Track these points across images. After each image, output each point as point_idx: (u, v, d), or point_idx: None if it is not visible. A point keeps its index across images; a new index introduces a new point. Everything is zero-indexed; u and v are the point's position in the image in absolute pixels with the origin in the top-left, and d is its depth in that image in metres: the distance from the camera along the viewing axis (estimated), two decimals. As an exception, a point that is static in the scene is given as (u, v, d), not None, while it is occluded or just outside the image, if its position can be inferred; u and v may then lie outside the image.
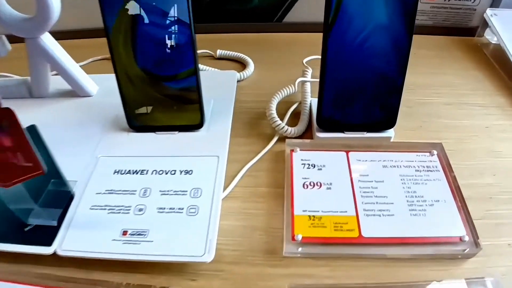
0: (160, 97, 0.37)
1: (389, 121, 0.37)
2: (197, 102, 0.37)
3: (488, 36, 0.55)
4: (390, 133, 0.38)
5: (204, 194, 0.33)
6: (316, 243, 0.30)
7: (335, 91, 0.36)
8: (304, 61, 0.46)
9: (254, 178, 0.36)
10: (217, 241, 0.30)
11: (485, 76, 0.49)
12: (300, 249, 0.30)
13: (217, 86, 0.43)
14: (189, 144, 0.37)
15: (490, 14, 0.53)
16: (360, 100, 0.36)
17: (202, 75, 0.36)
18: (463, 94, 0.46)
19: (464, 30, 0.55)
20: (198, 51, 0.49)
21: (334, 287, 0.29)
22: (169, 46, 0.34)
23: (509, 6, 0.54)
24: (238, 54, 0.49)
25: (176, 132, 0.39)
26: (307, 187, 0.34)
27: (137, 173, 0.35)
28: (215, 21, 0.56)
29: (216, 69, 0.47)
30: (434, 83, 0.47)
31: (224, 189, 0.34)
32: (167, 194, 0.33)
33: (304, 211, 0.32)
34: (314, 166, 0.35)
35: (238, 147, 0.39)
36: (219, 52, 0.49)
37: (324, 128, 0.38)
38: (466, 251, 0.30)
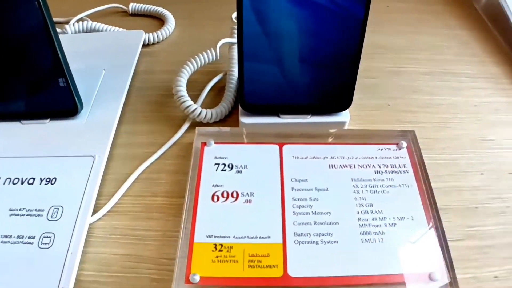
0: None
1: (342, 100, 0.27)
2: (63, 76, 0.25)
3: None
4: (344, 116, 0.27)
5: (66, 215, 0.22)
6: (219, 286, 0.21)
7: (260, 58, 0.25)
8: (233, 15, 0.34)
9: (151, 183, 0.26)
10: (85, 278, 0.20)
11: (475, 37, 0.39)
12: (196, 296, 0.20)
13: (115, 52, 0.31)
14: (60, 138, 0.26)
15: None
16: (303, 71, 0.25)
17: (98, 38, 0.25)
18: (445, 61, 0.36)
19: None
20: (106, 6, 0.37)
21: None
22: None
23: None
24: (156, 8, 0.37)
25: (47, 121, 0.28)
26: (218, 199, 0.23)
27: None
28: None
29: (120, 29, 0.35)
30: (410, 45, 0.37)
31: (106, 201, 0.24)
32: (18, 214, 0.23)
33: (208, 236, 0.22)
34: (232, 167, 0.25)
35: (134, 138, 0.28)
36: (132, 6, 0.37)
37: (251, 110, 0.27)
38: None
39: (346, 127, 0.28)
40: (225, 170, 0.25)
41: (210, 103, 0.30)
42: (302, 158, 0.25)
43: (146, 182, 0.26)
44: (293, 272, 0.21)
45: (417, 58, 0.35)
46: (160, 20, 0.39)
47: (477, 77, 0.34)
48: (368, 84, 0.32)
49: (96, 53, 0.27)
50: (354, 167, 0.25)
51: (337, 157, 0.25)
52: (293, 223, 0.22)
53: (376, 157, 0.26)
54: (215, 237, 0.22)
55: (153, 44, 0.35)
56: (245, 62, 0.25)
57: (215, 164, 0.25)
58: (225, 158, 0.25)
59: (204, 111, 0.27)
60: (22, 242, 0.22)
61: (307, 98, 0.26)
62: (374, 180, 0.24)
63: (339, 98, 0.27)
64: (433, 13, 0.41)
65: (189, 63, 0.29)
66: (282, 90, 0.26)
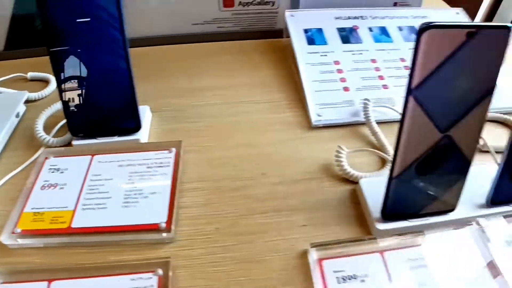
0: None
1: (135, 126, 0.43)
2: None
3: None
4: (138, 135, 0.43)
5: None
6: (33, 235, 0.35)
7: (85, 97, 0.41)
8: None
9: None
10: None
11: (277, 74, 0.54)
12: (19, 240, 0.35)
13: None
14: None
15: (288, 15, 0.58)
16: (101, 106, 0.41)
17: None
18: (244, 94, 0.51)
19: (272, 33, 0.60)
20: (10, 76, 0.54)
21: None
22: None
23: (309, 7, 0.59)
24: (45, 74, 0.54)
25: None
26: (45, 188, 0.39)
27: None
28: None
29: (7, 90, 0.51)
30: (220, 86, 0.52)
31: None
32: None
33: (32, 208, 0.37)
34: (58, 170, 0.40)
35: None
36: (30, 74, 0.55)
37: (81, 135, 0.43)
38: (161, 237, 0.35)
39: (142, 141, 0.43)
40: (54, 172, 0.40)
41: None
42: (104, 162, 0.41)
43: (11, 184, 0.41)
44: (75, 224, 0.35)
45: (221, 94, 0.51)
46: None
47: (261, 102, 0.50)
48: (173, 115, 0.48)
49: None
50: (135, 166, 0.40)
51: (126, 160, 0.41)
52: (84, 199, 0.37)
53: (152, 159, 0.41)
54: (36, 208, 0.37)
55: (37, 100, 0.51)
56: (64, 101, 0.41)
57: (49, 169, 0.40)
58: (56, 165, 0.41)
59: (51, 138, 0.43)
60: None
61: (112, 124, 0.42)
62: (144, 172, 0.40)
63: (133, 125, 0.43)
64: (251, 60, 0.57)
65: (49, 108, 0.45)
66: (96, 119, 0.42)
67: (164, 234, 0.35)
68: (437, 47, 0.28)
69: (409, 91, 0.29)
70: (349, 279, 0.32)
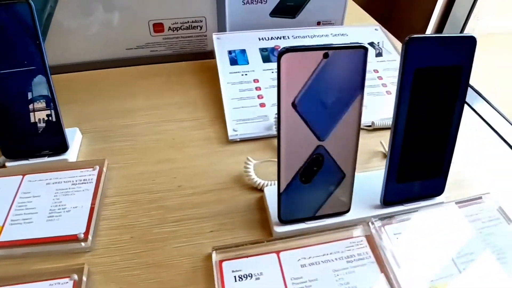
0: None
1: (61, 146, 0.47)
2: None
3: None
4: (67, 155, 0.47)
5: None
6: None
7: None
8: None
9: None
10: None
11: (204, 93, 0.59)
12: None
13: None
14: None
15: (215, 38, 0.63)
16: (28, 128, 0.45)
17: None
18: (170, 113, 0.55)
19: (204, 54, 0.65)
20: None
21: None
22: None
23: (235, 29, 0.65)
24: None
25: None
26: None
27: None
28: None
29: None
30: (149, 106, 0.56)
31: None
32: None
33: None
34: None
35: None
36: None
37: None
38: (80, 247, 0.39)
39: (70, 161, 0.47)
40: None
41: None
42: (35, 180, 0.45)
43: None
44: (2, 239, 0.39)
45: (148, 113, 0.55)
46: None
47: (187, 120, 0.54)
48: (102, 135, 0.52)
49: None
50: (61, 183, 0.44)
51: (53, 178, 0.45)
52: (14, 215, 0.41)
53: (77, 176, 0.45)
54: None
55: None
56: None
57: None
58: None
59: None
60: None
61: (43, 145, 0.46)
62: (68, 189, 0.44)
63: (59, 146, 0.47)
64: (181, 81, 0.61)
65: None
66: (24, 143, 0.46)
67: (82, 244, 0.39)
68: (298, 67, 0.33)
69: (279, 106, 0.34)
70: (245, 277, 0.37)
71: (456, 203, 0.43)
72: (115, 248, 0.40)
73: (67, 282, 0.36)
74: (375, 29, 0.70)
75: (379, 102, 0.57)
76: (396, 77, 0.36)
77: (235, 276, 0.37)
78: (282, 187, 0.38)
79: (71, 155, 0.47)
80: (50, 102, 0.45)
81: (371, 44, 0.66)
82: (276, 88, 0.33)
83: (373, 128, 0.53)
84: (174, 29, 0.62)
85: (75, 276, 0.36)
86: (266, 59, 0.61)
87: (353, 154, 0.38)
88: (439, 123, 0.39)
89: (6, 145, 0.46)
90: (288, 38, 0.65)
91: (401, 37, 0.62)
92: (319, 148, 0.37)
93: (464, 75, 0.37)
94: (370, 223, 0.41)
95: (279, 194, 0.38)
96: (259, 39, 0.64)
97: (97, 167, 0.46)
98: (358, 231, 0.41)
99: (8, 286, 0.36)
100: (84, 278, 0.36)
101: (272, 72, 0.59)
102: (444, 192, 0.43)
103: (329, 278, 0.37)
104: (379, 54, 0.65)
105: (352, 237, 0.40)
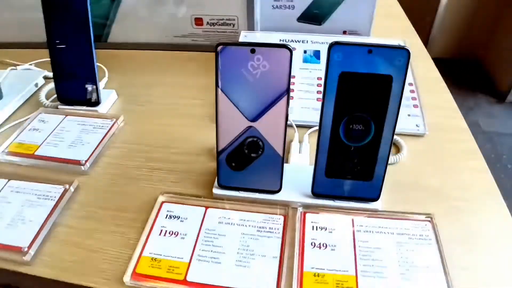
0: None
1: (96, 101, 0.63)
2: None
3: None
4: (98, 108, 0.63)
5: None
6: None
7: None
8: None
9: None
10: None
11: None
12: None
13: None
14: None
15: (242, 35, 0.73)
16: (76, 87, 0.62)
17: None
18: (186, 91, 0.68)
19: (234, 48, 0.76)
20: (43, 59, 0.78)
21: None
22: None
23: (265, 29, 0.74)
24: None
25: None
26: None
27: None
28: None
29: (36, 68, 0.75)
30: (173, 83, 0.70)
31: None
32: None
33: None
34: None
35: None
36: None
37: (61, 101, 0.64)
38: (79, 170, 0.54)
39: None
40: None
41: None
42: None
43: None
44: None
45: (172, 89, 0.69)
46: None
47: (196, 99, 0.66)
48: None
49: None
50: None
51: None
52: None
53: (98, 123, 0.60)
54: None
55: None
56: None
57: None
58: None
59: (46, 102, 0.65)
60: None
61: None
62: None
63: None
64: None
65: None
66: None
67: (82, 168, 0.54)
68: (232, 58, 0.42)
69: (217, 88, 0.43)
70: (174, 217, 0.47)
71: (390, 213, 0.46)
72: (103, 176, 0.54)
73: None
74: (398, 44, 0.72)
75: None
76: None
77: (167, 215, 0.48)
78: (219, 155, 0.47)
79: (102, 108, 0.64)
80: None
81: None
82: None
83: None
84: (211, 24, 0.75)
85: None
86: (277, 58, 0.69)
87: (282, 139, 0.45)
88: (367, 128, 0.43)
89: (61, 93, 0.64)
90: (306, 42, 0.72)
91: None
92: (251, 128, 0.45)
93: (395, 85, 0.40)
94: (292, 207, 0.47)
95: (218, 161, 0.48)
96: (280, 40, 0.72)
97: (114, 120, 0.61)
98: (279, 210, 0.47)
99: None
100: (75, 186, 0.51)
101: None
102: (390, 203, 0.47)
103: (234, 237, 0.45)
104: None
105: (271, 214, 0.47)
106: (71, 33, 0.59)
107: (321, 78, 0.65)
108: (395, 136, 0.46)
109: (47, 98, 0.67)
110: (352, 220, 0.46)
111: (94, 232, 0.47)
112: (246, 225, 0.46)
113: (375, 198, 0.47)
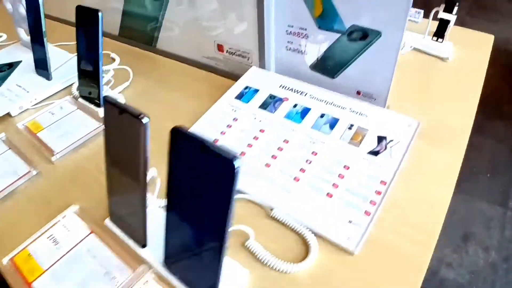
0: None
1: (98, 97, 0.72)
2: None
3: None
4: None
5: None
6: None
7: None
8: None
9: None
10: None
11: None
12: None
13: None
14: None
15: (251, 70, 0.71)
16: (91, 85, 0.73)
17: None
18: (180, 105, 0.72)
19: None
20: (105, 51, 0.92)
21: None
22: None
23: (281, 71, 0.70)
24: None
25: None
26: None
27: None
28: None
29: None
30: (179, 96, 0.74)
31: None
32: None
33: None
34: None
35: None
36: (112, 55, 0.91)
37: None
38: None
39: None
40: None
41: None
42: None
43: None
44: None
45: (174, 100, 0.73)
46: None
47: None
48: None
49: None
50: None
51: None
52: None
53: (90, 123, 0.70)
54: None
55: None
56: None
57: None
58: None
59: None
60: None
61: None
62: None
63: None
64: (213, 91, 0.74)
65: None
66: None
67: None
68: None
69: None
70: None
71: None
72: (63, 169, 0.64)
73: None
74: (408, 125, 0.58)
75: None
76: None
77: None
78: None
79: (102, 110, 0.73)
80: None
81: (380, 138, 0.57)
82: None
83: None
84: (230, 52, 0.74)
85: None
86: (262, 105, 0.65)
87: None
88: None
89: (80, 89, 0.76)
90: (305, 95, 0.65)
91: None
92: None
93: (216, 192, 0.37)
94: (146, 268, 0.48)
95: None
96: (280, 86, 0.67)
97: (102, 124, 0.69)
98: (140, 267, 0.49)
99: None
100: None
101: (255, 118, 0.63)
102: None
103: (77, 256, 0.50)
104: (375, 153, 0.56)
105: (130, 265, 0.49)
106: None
107: (287, 141, 0.59)
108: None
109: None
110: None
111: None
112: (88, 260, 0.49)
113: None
